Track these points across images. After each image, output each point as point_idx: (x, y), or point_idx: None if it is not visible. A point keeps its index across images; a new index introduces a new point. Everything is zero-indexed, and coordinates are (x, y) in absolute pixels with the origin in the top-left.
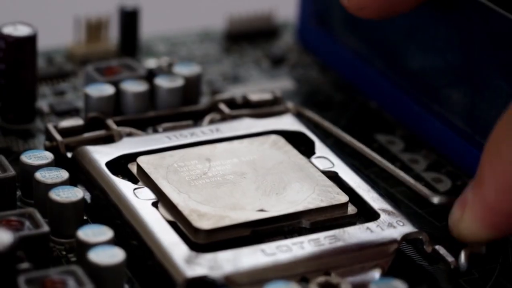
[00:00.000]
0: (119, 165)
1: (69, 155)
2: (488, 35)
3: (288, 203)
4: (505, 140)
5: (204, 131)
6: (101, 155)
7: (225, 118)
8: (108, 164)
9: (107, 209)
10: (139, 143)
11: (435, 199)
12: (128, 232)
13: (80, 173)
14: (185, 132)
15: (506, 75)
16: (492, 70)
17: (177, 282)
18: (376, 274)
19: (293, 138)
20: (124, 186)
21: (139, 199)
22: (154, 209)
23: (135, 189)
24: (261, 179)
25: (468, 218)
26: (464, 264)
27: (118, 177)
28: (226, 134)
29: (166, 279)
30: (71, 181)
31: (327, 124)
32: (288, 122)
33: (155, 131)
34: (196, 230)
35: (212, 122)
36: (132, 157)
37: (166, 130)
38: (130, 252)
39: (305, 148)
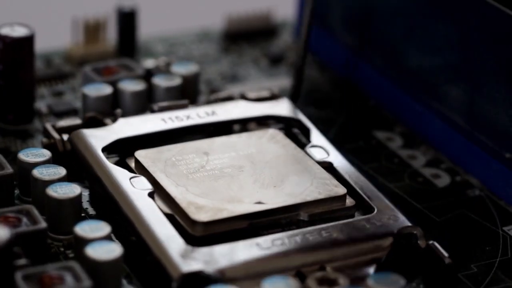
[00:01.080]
0: (116, 150)
1: (65, 137)
2: (487, 31)
3: (286, 196)
4: None
5: (199, 114)
6: (98, 140)
7: None
8: (105, 149)
9: (104, 201)
10: (134, 125)
11: None
12: (125, 225)
13: (76, 158)
14: (181, 114)
15: (505, 72)
16: (491, 67)
17: (173, 277)
18: (371, 268)
19: (288, 124)
20: (120, 174)
21: (135, 189)
22: (150, 199)
23: (131, 178)
24: (259, 172)
25: None
26: None
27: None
28: (222, 117)
29: (162, 274)
30: (69, 178)
31: None
32: (285, 107)
33: (151, 110)
34: (194, 223)
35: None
36: (128, 141)
37: (161, 109)
38: (129, 247)
39: (300, 132)
